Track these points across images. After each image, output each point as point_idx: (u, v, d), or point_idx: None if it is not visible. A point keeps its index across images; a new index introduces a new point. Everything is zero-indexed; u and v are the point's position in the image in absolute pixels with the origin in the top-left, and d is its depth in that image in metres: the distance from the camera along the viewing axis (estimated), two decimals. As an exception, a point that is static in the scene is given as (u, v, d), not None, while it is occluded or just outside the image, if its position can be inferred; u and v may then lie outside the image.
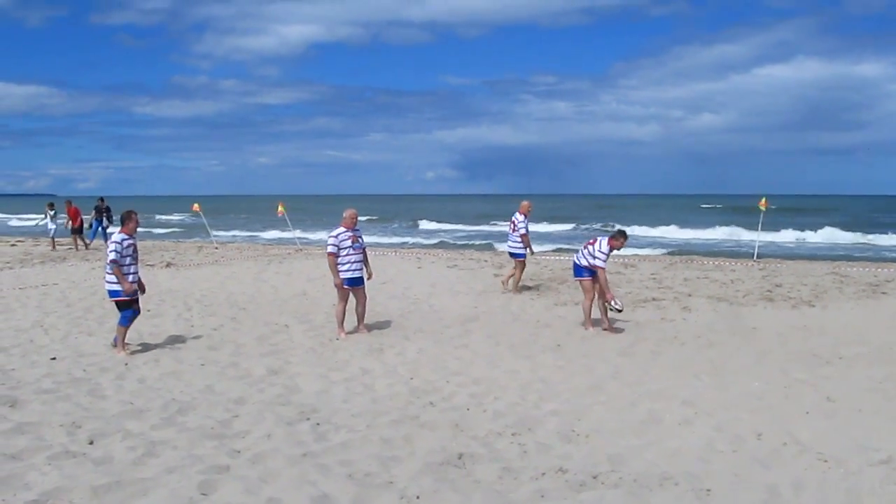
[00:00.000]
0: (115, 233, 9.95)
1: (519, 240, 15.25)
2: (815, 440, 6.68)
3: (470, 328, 11.81)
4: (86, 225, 27.83)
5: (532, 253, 15.84)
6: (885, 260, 26.61)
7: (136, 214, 9.95)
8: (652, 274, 19.04)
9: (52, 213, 27.16)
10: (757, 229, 26.75)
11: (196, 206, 31.19)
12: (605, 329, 11.55)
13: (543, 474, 5.92)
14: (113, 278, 9.67)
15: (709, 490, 5.64)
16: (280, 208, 29.37)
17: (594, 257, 11.35)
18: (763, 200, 24.86)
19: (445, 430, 6.92)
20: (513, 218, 15.51)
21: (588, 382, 8.62)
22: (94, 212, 28.27)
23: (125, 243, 9.69)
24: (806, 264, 22.44)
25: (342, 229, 11.03)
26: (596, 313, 11.86)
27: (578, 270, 11.72)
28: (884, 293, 15.54)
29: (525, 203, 15.74)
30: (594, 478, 5.86)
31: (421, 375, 8.90)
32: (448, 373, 9.03)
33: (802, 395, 8.15)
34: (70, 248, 26.19)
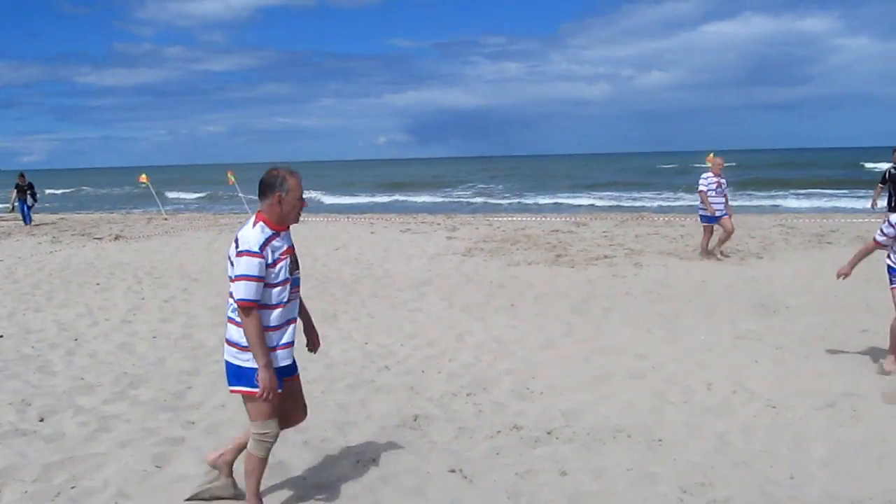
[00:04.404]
0: None
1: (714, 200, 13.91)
2: (763, 388, 6.83)
3: (424, 291, 11.81)
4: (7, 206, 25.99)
5: (711, 212, 13.95)
6: (831, 211, 27.15)
7: None
8: (604, 232, 19.25)
9: None
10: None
11: (144, 178, 30.70)
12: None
13: (499, 432, 5.97)
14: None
15: (660, 440, 5.74)
16: (230, 177, 29.06)
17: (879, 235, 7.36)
18: (711, 156, 25.10)
19: (401, 393, 6.94)
20: None
21: (541, 341, 8.69)
22: (14, 191, 25.81)
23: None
24: (754, 217, 22.85)
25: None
26: None
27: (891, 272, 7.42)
28: (829, 243, 15.91)
29: (716, 160, 14.45)
30: (548, 433, 5.92)
31: (375, 340, 8.89)
32: (403, 336, 9.03)
33: (751, 344, 8.32)
34: None
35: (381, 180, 67.82)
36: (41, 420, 6.35)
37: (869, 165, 60.28)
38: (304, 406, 4.75)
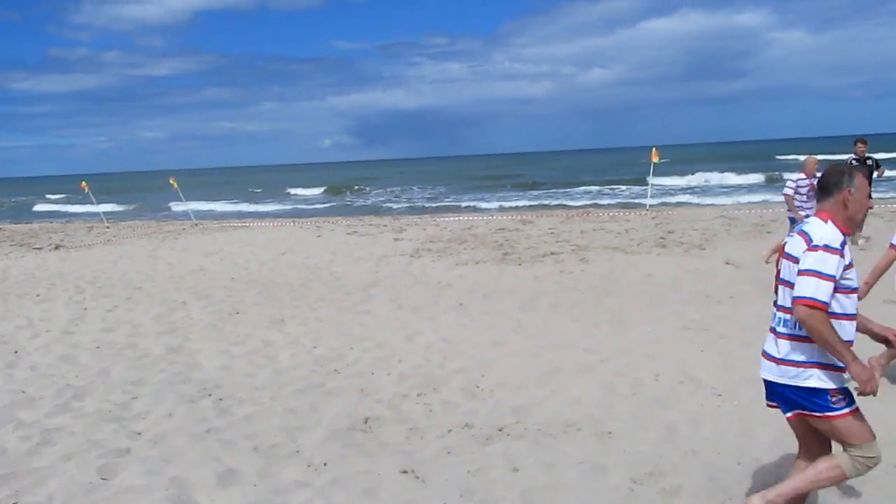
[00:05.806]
0: None
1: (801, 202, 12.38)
2: (709, 377, 6.93)
3: (372, 293, 11.77)
4: None
5: (799, 218, 11.83)
6: (770, 202, 27.71)
7: None
8: (550, 229, 19.39)
9: None
10: (648, 180, 27.48)
11: (84, 185, 30.15)
12: None
13: (450, 431, 5.97)
14: None
15: (610, 432, 5.79)
16: (173, 183, 28.70)
17: None
18: (654, 151, 25.46)
19: (351, 396, 6.90)
20: None
21: (490, 339, 8.71)
22: None
23: None
24: (696, 210, 23.20)
25: None
26: None
27: None
28: (769, 232, 16.25)
29: (810, 160, 12.71)
30: (500, 430, 5.94)
31: (324, 343, 8.83)
32: (352, 339, 8.98)
33: (697, 335, 8.44)
34: None
35: (325, 183, 67.34)
36: (-20, 436, 6.18)
37: (782, 157, 63.34)
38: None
